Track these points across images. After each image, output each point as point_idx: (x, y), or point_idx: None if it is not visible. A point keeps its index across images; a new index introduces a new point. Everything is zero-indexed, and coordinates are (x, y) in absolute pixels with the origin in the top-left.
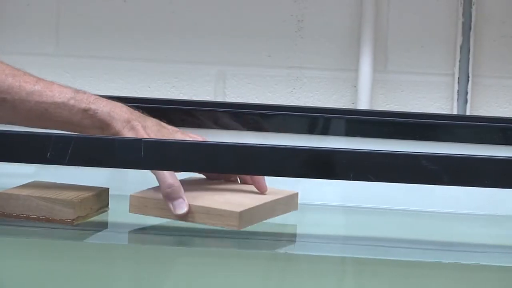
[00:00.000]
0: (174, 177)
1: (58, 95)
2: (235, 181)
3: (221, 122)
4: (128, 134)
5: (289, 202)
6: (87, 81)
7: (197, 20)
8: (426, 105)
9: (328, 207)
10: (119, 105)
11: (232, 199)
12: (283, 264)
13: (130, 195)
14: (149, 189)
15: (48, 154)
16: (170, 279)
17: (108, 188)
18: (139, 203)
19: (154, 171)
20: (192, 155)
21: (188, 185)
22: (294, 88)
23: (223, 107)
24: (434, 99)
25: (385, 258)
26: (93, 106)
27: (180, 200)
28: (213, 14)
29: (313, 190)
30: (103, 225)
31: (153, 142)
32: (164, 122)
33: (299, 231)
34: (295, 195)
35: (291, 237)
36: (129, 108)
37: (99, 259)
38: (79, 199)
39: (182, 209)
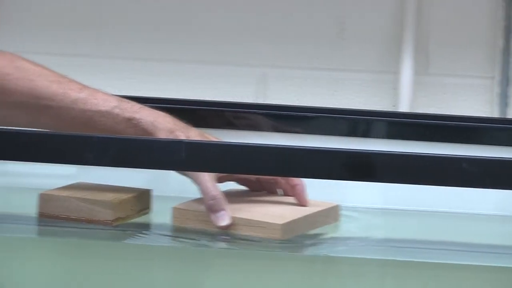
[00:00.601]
0: (217, 189)
1: (103, 103)
2: (276, 193)
3: (261, 124)
4: None
5: (330, 214)
6: (127, 83)
7: (239, 23)
8: (466, 108)
9: (369, 209)
10: (162, 114)
11: (274, 211)
12: (324, 266)
13: (173, 208)
14: (191, 200)
15: (89, 155)
16: (211, 281)
17: (150, 190)
18: (181, 216)
19: (197, 181)
20: (234, 157)
21: (230, 197)
22: (335, 91)
23: (263, 109)
24: (474, 102)
25: (424, 261)
26: (137, 116)
27: (223, 212)
28: (255, 17)
29: (353, 192)
30: (144, 227)
31: (194, 143)
32: (206, 129)
33: (339, 234)
34: (336, 207)
35: (332, 240)
36: (173, 118)
37: (138, 260)
38: (118, 201)
39: (225, 221)
